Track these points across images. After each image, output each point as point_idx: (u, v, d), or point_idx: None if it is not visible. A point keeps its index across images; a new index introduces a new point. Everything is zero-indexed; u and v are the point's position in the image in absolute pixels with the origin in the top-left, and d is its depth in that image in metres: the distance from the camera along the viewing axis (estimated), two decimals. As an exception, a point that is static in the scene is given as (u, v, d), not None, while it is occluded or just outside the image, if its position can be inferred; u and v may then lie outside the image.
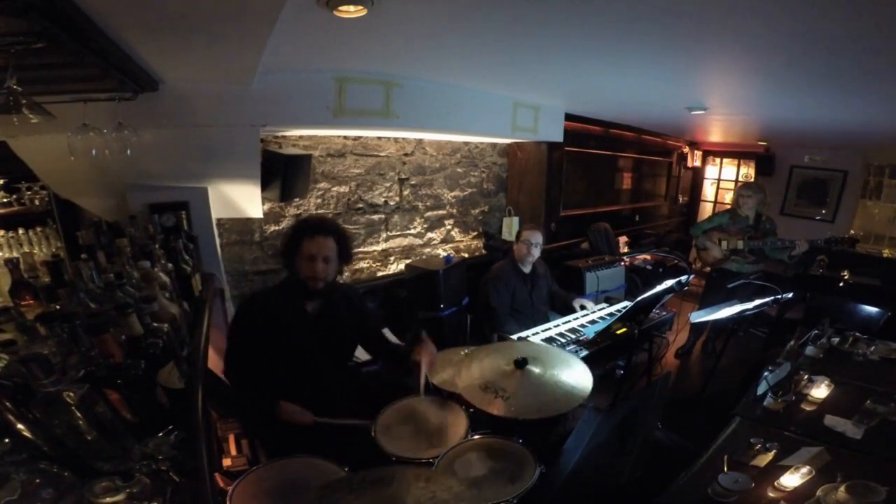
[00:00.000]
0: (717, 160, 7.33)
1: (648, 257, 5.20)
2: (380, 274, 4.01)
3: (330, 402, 1.99)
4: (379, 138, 3.79)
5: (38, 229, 2.60)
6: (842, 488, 1.42)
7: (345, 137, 3.60)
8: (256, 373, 1.92)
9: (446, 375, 2.23)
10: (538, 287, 3.31)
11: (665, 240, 6.07)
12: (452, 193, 4.43)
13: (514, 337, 2.82)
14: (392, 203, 4.00)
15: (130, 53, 1.68)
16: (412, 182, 4.10)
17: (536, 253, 3.22)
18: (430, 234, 4.36)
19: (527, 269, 3.26)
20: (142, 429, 0.99)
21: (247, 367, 1.93)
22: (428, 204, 4.26)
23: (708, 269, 4.10)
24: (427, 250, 4.35)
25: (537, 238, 3.18)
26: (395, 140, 3.90)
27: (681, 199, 7.38)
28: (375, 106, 2.91)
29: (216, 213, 2.74)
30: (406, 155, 4.01)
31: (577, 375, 1.85)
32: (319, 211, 3.58)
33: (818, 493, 1.45)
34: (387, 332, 3.38)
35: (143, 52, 1.74)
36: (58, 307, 1.25)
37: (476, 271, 3.77)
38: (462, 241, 4.65)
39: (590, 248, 5.10)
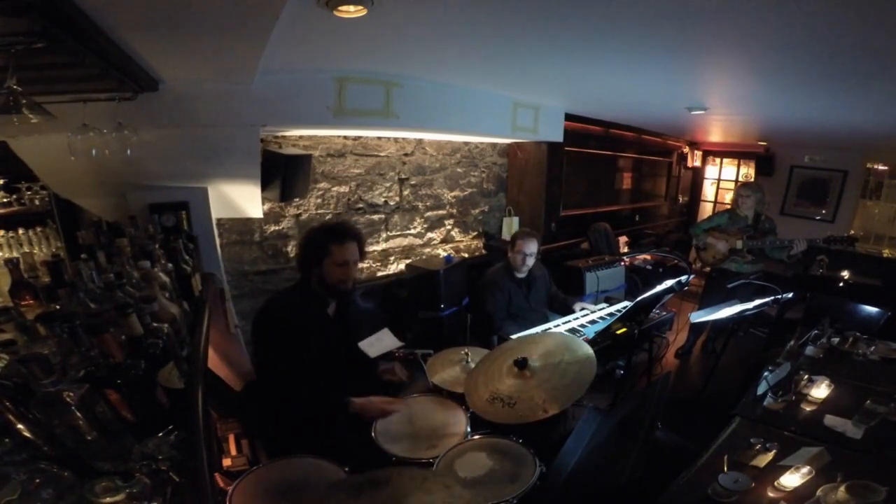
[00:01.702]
0: (717, 160, 7.33)
1: (648, 257, 5.20)
2: (380, 274, 4.01)
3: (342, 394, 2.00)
4: (379, 138, 3.79)
5: (38, 229, 2.60)
6: (842, 488, 1.42)
7: (345, 137, 3.60)
8: (308, 375, 1.90)
9: (447, 375, 2.23)
10: (535, 289, 3.30)
11: (665, 240, 6.07)
12: (452, 193, 4.43)
13: (514, 337, 2.82)
14: (392, 203, 4.00)
15: (130, 53, 1.68)
16: (412, 182, 4.10)
17: (531, 262, 3.19)
18: (430, 234, 4.36)
19: (522, 274, 3.25)
20: (142, 429, 0.99)
21: (295, 371, 1.90)
22: (428, 204, 4.26)
23: (708, 269, 4.10)
24: (427, 250, 4.35)
25: (532, 248, 3.15)
26: (395, 140, 3.90)
27: (681, 199, 7.38)
28: (375, 106, 2.91)
29: (216, 213, 2.74)
30: (406, 155, 4.01)
31: (576, 352, 1.89)
32: (319, 211, 3.58)
33: (818, 493, 1.44)
34: (387, 332, 3.39)
35: (144, 52, 1.74)
36: (58, 307, 1.24)
37: (476, 271, 3.77)
38: (462, 241, 4.65)
39: (590, 248, 5.10)
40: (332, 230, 2.06)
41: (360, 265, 3.87)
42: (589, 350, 1.88)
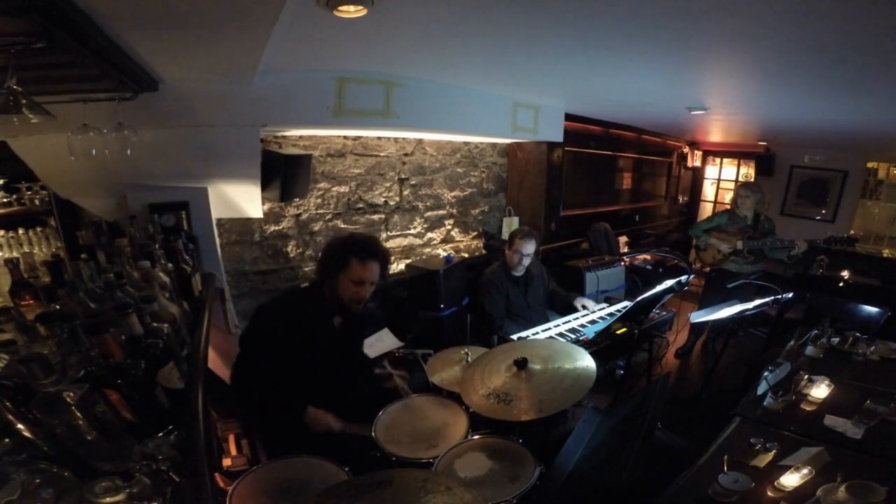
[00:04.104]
0: (717, 160, 7.33)
1: (648, 257, 5.20)
2: (380, 274, 4.00)
3: (342, 409, 1.99)
4: (379, 138, 3.79)
5: (38, 229, 2.60)
6: (842, 488, 1.42)
7: (345, 137, 3.60)
8: (274, 380, 1.85)
9: (446, 375, 2.23)
10: (533, 288, 3.30)
11: (665, 240, 6.07)
12: (452, 193, 4.43)
13: (514, 337, 2.82)
14: (392, 203, 4.00)
15: (130, 53, 1.68)
16: (412, 182, 4.10)
17: (528, 262, 3.18)
18: (430, 234, 4.36)
19: (519, 273, 3.24)
20: (142, 429, 0.99)
21: (267, 374, 1.85)
22: (428, 204, 4.26)
23: (708, 269, 4.10)
24: (427, 250, 4.35)
25: (529, 249, 3.13)
26: (395, 140, 3.90)
27: (681, 199, 7.38)
28: (375, 106, 2.91)
29: (216, 213, 2.74)
30: (406, 155, 4.01)
31: (577, 361, 1.89)
32: (319, 211, 3.58)
33: (818, 493, 1.45)
34: (387, 332, 3.39)
35: (143, 52, 1.74)
36: (58, 307, 1.25)
37: (476, 271, 3.77)
38: (462, 241, 4.65)
39: (590, 248, 5.10)
40: (357, 243, 1.93)
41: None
42: (590, 362, 1.87)
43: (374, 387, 2.20)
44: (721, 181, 7.32)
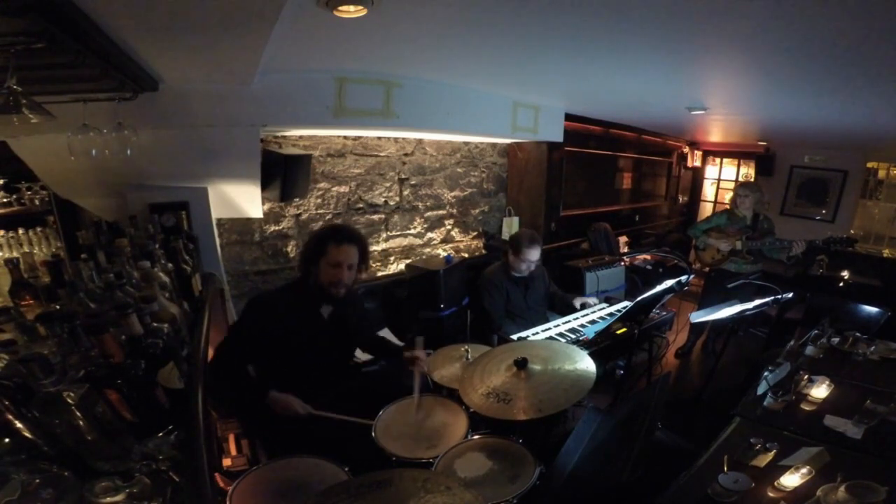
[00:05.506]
0: (717, 160, 7.32)
1: (648, 257, 5.20)
2: (380, 274, 4.01)
3: (330, 400, 2.00)
4: (379, 138, 3.79)
5: (38, 229, 2.60)
6: (842, 488, 1.42)
7: (345, 137, 3.60)
8: (245, 363, 1.96)
9: (446, 372, 2.23)
10: (533, 288, 3.29)
11: (665, 240, 6.07)
12: (452, 193, 4.43)
13: (514, 337, 2.82)
14: (392, 203, 4.00)
15: (130, 53, 1.68)
16: (412, 182, 4.10)
17: (534, 267, 3.17)
18: (430, 234, 4.36)
19: (520, 274, 3.23)
20: (142, 429, 0.99)
21: (241, 360, 1.97)
22: (428, 204, 4.26)
23: (707, 269, 4.10)
24: (427, 250, 4.35)
25: (536, 255, 3.10)
26: (395, 140, 3.90)
27: (681, 199, 7.38)
28: (375, 106, 2.91)
29: (216, 213, 2.74)
30: (406, 155, 4.01)
31: (577, 362, 1.89)
32: (319, 211, 3.58)
33: (818, 493, 1.45)
34: (387, 332, 3.39)
35: (143, 52, 1.74)
36: (58, 307, 1.25)
37: (476, 271, 3.77)
38: (462, 241, 4.65)
39: (590, 248, 5.10)
40: (332, 230, 2.07)
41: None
42: (590, 364, 1.87)
43: (361, 377, 2.24)
44: (721, 181, 7.32)
